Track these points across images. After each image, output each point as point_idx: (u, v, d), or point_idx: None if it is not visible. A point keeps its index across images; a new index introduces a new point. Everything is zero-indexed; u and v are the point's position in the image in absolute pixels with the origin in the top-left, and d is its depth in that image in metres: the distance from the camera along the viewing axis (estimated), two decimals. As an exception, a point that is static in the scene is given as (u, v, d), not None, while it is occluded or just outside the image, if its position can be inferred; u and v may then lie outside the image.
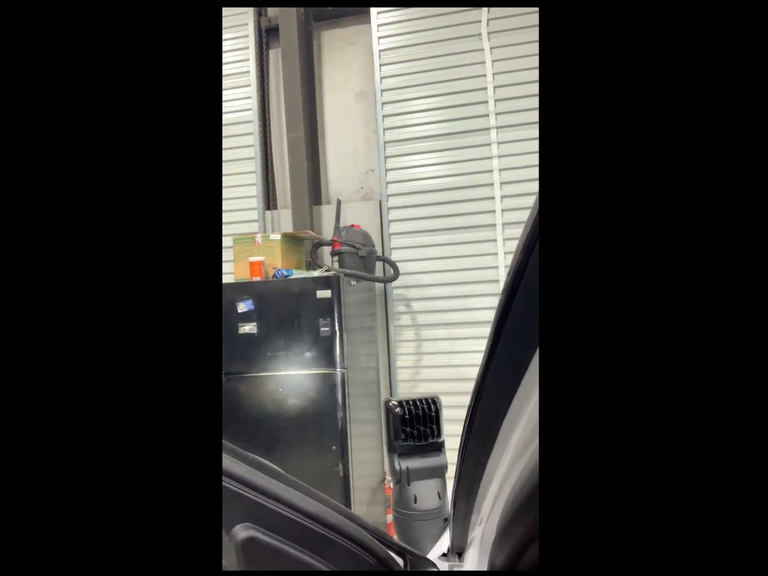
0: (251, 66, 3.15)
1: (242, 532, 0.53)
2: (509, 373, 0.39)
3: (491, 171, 2.80)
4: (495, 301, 2.61)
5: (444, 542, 0.82)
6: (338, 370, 2.29)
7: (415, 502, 0.86)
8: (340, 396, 2.29)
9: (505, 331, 0.38)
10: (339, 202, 2.92)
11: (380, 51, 2.98)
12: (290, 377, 2.33)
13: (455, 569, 0.72)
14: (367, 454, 2.60)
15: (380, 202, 2.99)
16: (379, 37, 2.98)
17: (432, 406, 0.85)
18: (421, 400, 0.86)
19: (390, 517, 2.48)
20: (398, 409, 0.86)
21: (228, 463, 0.53)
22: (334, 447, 2.28)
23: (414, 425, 0.84)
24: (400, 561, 0.63)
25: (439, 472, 0.85)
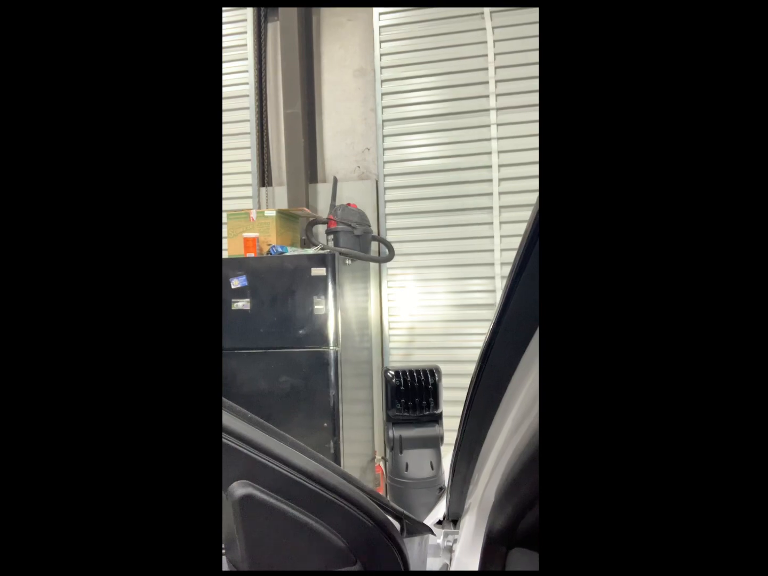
0: (248, 39, 3.09)
1: (239, 489, 0.52)
2: (511, 348, 0.39)
3: (489, 153, 2.78)
4: (490, 284, 2.65)
5: (439, 511, 0.82)
6: (331, 348, 2.29)
7: (407, 470, 0.86)
8: (332, 374, 2.28)
9: (509, 310, 0.38)
10: (335, 181, 2.89)
11: (381, 27, 2.93)
12: (283, 354, 2.32)
13: (450, 536, 0.72)
14: (358, 433, 2.61)
15: (377, 181, 2.96)
16: (380, 14, 2.92)
17: (430, 378, 0.84)
18: (419, 371, 0.85)
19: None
20: (395, 379, 0.85)
21: (227, 418, 0.52)
22: (325, 424, 2.28)
23: (411, 396, 0.83)
24: (397, 524, 0.63)
25: (433, 442, 0.85)
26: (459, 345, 2.76)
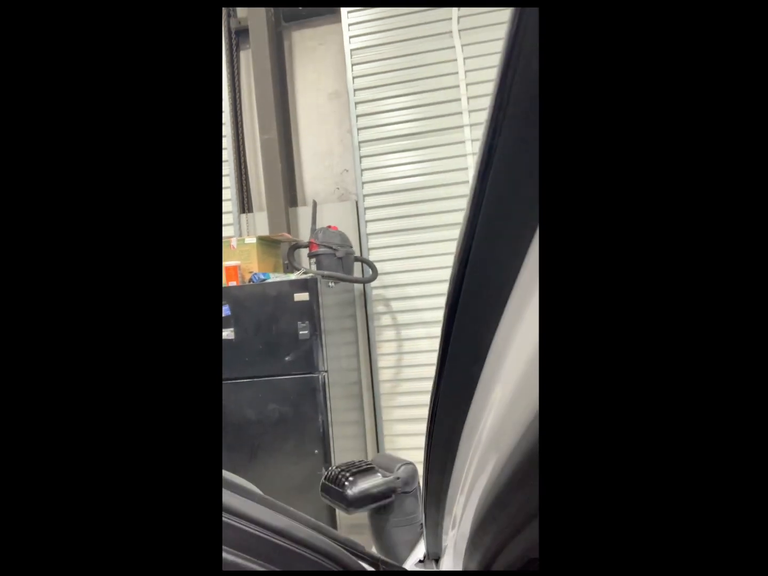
0: (222, 68, 3.11)
1: None
2: (461, 381, 0.38)
3: (466, 168, 2.81)
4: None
5: (421, 548, 0.81)
6: (319, 373, 2.28)
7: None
8: (321, 399, 2.27)
9: (455, 326, 0.36)
10: (315, 204, 2.90)
11: (351, 50, 2.96)
12: (270, 382, 2.31)
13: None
14: (351, 456, 2.59)
15: (356, 202, 2.98)
16: (350, 37, 2.96)
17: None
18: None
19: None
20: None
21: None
22: (316, 451, 2.26)
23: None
24: (372, 570, 0.62)
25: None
26: (447, 361, 2.75)
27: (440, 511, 0.58)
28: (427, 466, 0.48)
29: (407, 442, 2.85)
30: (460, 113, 2.82)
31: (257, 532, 0.54)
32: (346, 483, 0.77)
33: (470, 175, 2.79)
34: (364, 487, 0.77)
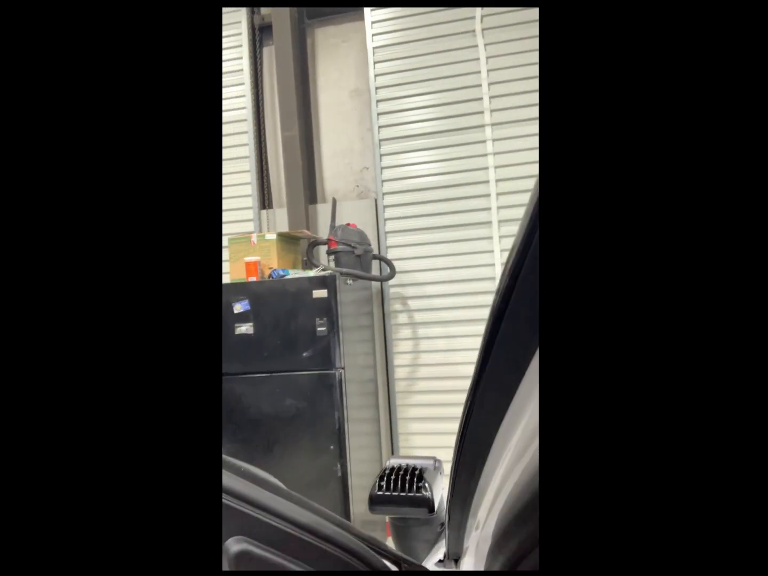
0: (245, 64, 3.13)
1: (235, 545, 0.52)
2: (505, 378, 0.38)
3: (486, 168, 2.79)
4: (491, 299, 2.63)
5: (441, 547, 0.82)
6: (336, 370, 2.29)
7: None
8: (337, 395, 2.29)
9: (500, 335, 0.37)
10: (335, 201, 2.91)
11: (374, 48, 2.96)
12: (287, 377, 2.33)
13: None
14: (365, 453, 2.60)
15: (376, 200, 2.98)
16: (373, 34, 2.96)
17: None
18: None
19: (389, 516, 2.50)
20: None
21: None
22: (332, 447, 2.28)
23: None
24: (394, 569, 0.63)
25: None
26: (463, 361, 2.75)
27: (465, 513, 0.59)
28: (455, 468, 0.49)
29: (422, 440, 2.86)
30: (482, 112, 2.80)
31: (285, 528, 0.55)
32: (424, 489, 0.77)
33: (490, 175, 2.78)
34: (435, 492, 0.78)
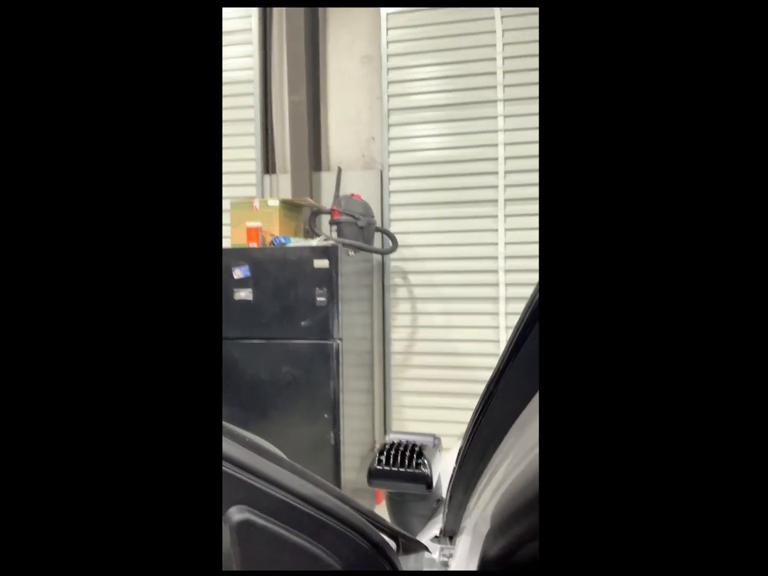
0: (253, 24, 3.05)
1: (237, 514, 0.53)
2: (526, 378, 0.38)
3: (496, 145, 2.75)
4: (493, 278, 2.64)
5: (436, 523, 0.83)
6: (333, 340, 2.30)
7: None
8: (334, 366, 2.30)
9: (524, 346, 0.37)
10: (340, 170, 2.87)
11: (388, 14, 2.88)
12: (285, 345, 2.34)
13: (446, 551, 0.73)
14: (358, 423, 2.63)
15: (381, 171, 2.94)
16: (388, -1, 2.87)
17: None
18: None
19: (378, 485, 2.54)
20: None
21: (225, 445, 0.52)
22: (326, 415, 2.30)
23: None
24: (393, 544, 0.64)
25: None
26: (461, 338, 2.76)
27: (467, 494, 0.59)
28: (465, 450, 0.49)
29: (414, 413, 2.89)
30: (495, 87, 2.74)
31: (287, 499, 0.55)
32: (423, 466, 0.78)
33: (499, 152, 2.74)
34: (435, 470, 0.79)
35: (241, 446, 0.55)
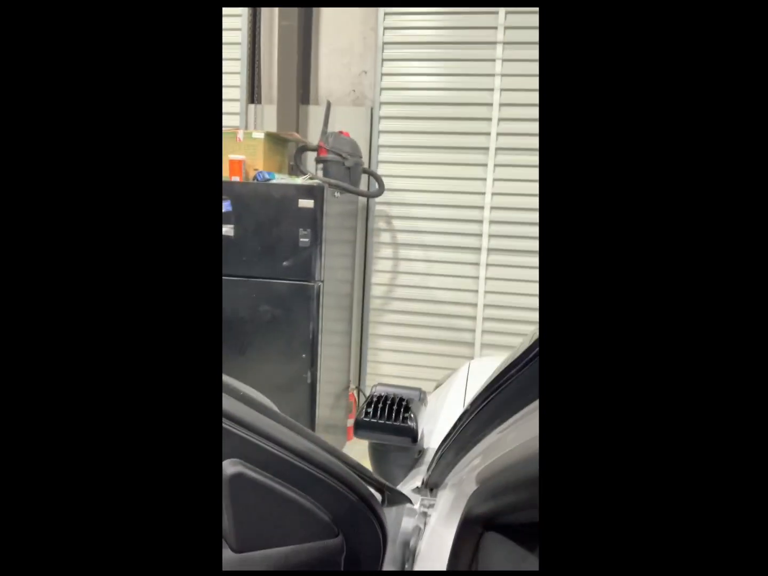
0: (243, -67, 2.81)
1: (230, 467, 0.53)
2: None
3: (492, 90, 2.67)
4: (477, 228, 2.64)
5: (417, 474, 0.86)
6: (315, 282, 2.28)
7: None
8: (314, 307, 2.30)
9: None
10: (329, 104, 2.75)
11: (389, -65, 2.68)
12: (265, 284, 2.31)
13: (426, 502, 0.76)
14: (335, 363, 2.67)
15: (372, 109, 2.84)
16: None
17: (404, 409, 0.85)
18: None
19: (351, 422, 2.61)
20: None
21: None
22: (304, 355, 2.33)
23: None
24: (378, 496, 0.66)
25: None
26: (440, 286, 2.78)
27: (459, 455, 0.61)
28: (473, 413, 0.49)
29: (389, 357, 2.94)
30: (495, 28, 2.62)
31: (280, 453, 0.56)
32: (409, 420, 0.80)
33: (495, 97, 2.65)
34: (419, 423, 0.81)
35: (235, 400, 0.54)
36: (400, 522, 0.75)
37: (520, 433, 0.42)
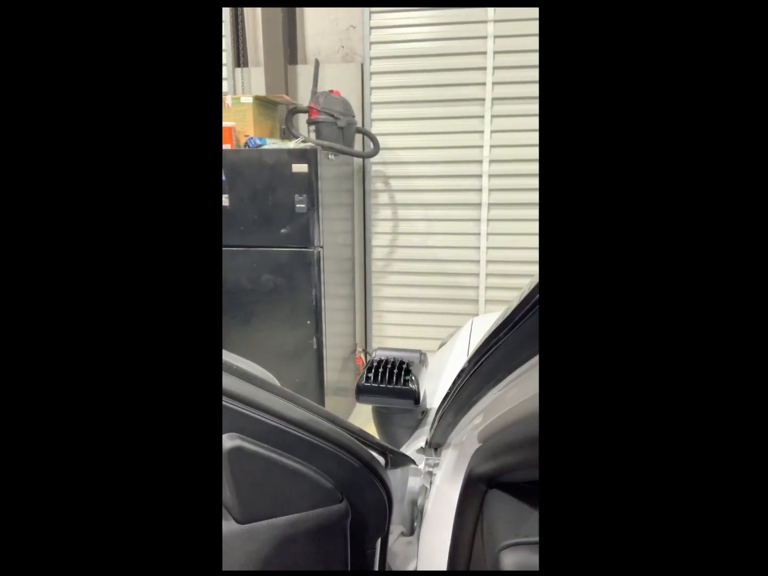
0: None
1: (228, 441, 0.53)
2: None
3: (485, 38, 2.56)
4: (477, 183, 2.60)
5: (421, 435, 0.86)
6: (314, 248, 2.26)
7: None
8: (315, 273, 2.28)
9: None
10: (317, 63, 2.67)
11: None
12: (265, 253, 2.30)
13: (431, 462, 0.76)
14: (340, 327, 2.68)
15: (362, 65, 2.75)
16: None
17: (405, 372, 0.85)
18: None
19: (359, 385, 2.65)
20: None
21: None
22: (308, 322, 2.33)
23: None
24: (381, 460, 0.66)
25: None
26: (441, 244, 2.75)
27: (459, 415, 0.60)
28: (472, 372, 0.48)
29: (394, 318, 2.95)
30: (487, -30, 2.50)
31: (278, 425, 0.55)
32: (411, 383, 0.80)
33: (488, 45, 2.56)
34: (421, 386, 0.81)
35: (230, 375, 0.54)
36: (406, 482, 0.76)
37: (520, 391, 0.41)
